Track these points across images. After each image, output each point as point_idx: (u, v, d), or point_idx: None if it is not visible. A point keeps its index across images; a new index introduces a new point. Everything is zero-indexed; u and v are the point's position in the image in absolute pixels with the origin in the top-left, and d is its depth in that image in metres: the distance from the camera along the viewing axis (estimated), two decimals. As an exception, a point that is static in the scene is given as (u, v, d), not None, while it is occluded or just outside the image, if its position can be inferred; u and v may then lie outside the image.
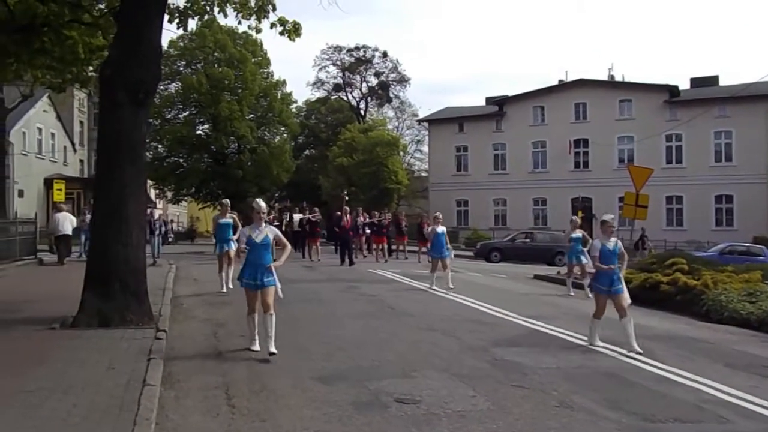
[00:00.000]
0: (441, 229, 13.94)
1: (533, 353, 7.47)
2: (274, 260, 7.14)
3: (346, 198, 25.49)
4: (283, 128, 46.65)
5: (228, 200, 13.42)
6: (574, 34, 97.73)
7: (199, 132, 44.23)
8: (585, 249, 13.49)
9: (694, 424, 5.10)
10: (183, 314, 9.75)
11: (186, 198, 49.17)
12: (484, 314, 10.46)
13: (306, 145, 58.26)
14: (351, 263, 19.17)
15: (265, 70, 45.01)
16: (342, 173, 43.27)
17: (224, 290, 11.96)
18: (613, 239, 8.24)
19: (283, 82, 45.81)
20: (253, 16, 10.11)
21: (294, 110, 50.93)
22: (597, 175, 39.91)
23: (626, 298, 8.09)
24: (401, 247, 24.72)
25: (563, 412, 5.25)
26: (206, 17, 10.60)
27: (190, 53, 42.13)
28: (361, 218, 22.60)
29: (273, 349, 6.73)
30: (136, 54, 8.21)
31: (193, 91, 40.86)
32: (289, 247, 7.39)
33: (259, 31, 10.59)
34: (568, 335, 8.76)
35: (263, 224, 7.17)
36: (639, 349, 7.56)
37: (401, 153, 49.62)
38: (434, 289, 13.18)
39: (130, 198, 8.20)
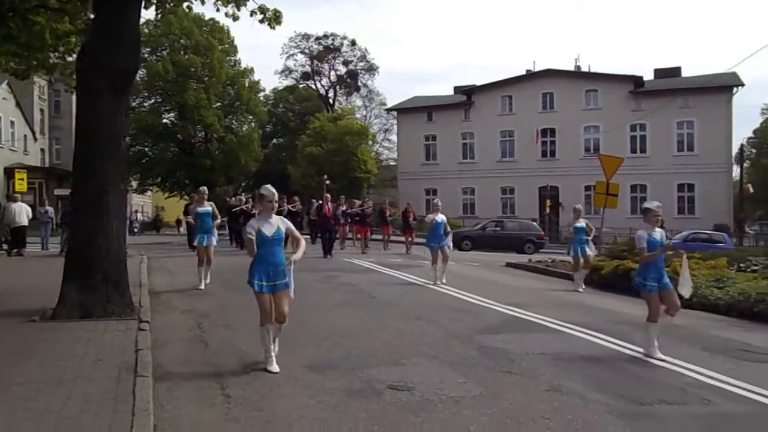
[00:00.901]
0: (441, 217, 13.19)
1: (517, 340, 7.60)
2: (287, 259, 6.09)
3: (327, 183, 25.12)
4: (251, 117, 46.36)
5: (205, 188, 12.54)
6: (541, 24, 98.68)
7: (165, 120, 43.68)
8: (589, 239, 13.38)
9: (680, 406, 5.28)
10: (163, 306, 9.65)
11: (151, 188, 48.45)
12: (465, 302, 10.59)
13: (274, 134, 57.92)
14: (328, 253, 18.49)
15: (232, 58, 44.63)
16: (311, 162, 43.13)
17: (201, 287, 11.24)
18: (659, 229, 7.28)
19: (251, 70, 45.56)
20: (232, 4, 9.96)
21: (262, 99, 50.64)
22: (564, 164, 40.51)
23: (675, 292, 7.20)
24: (386, 237, 23.81)
25: (553, 396, 5.38)
26: (185, 4, 10.41)
27: (155, 40, 41.42)
28: (343, 207, 21.90)
29: (275, 368, 5.90)
30: (114, 42, 8.04)
31: (158, 79, 40.28)
32: (303, 240, 6.37)
33: (236, 18, 10.45)
34: (548, 322, 8.92)
35: (273, 215, 6.12)
36: (663, 356, 6.79)
37: (370, 142, 49.60)
38: (443, 284, 12.46)
39: (110, 189, 8.05)
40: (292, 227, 6.26)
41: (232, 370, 6.01)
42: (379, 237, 24.37)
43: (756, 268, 13.35)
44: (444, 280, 12.72)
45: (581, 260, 13.12)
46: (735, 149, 40.60)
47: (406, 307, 9.85)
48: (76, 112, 8.59)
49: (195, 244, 11.86)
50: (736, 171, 42.60)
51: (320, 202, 20.67)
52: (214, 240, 11.71)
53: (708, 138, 37.79)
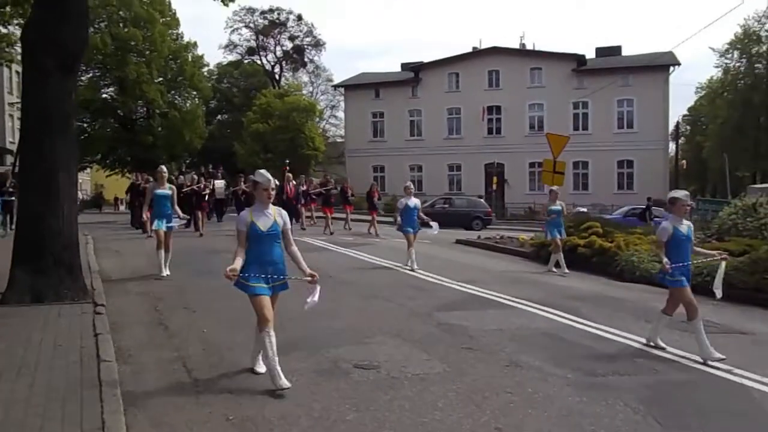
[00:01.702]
0: (413, 201, 12.57)
1: (475, 317, 7.82)
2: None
3: (287, 166, 24.51)
4: (194, 92, 45.33)
5: (164, 167, 11.64)
6: (487, 1, 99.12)
7: (104, 95, 42.19)
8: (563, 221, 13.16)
9: (632, 377, 5.57)
10: (115, 289, 9.47)
11: (90, 165, 46.92)
12: (421, 280, 10.78)
13: (219, 110, 56.80)
14: None
15: (174, 32, 43.40)
16: (257, 140, 42.56)
17: (164, 274, 10.49)
18: (687, 222, 6.52)
19: (194, 45, 44.41)
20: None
21: (206, 74, 49.45)
22: (509, 141, 41.18)
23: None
24: (348, 217, 22.57)
25: (514, 371, 5.60)
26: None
27: (92, 12, 39.60)
28: (303, 186, 21.30)
29: (285, 383, 4.94)
30: (63, 16, 7.75)
31: (96, 53, 38.73)
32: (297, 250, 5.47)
33: (187, -7, 10.17)
34: (503, 298, 9.19)
35: (270, 206, 5.27)
36: (721, 356, 6.04)
37: (317, 119, 49.21)
38: (416, 271, 11.73)
39: (60, 170, 7.82)
40: (289, 226, 5.43)
41: (196, 353, 6.00)
42: (342, 216, 23.18)
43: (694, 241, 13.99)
44: (416, 266, 11.94)
45: (558, 241, 12.80)
46: (671, 127, 42.11)
47: (363, 287, 9.96)
48: (23, 89, 8.27)
49: (153, 228, 10.93)
50: (671, 147, 44.25)
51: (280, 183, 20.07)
52: (175, 225, 11.11)
53: (646, 115, 39.04)
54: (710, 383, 5.56)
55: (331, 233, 19.50)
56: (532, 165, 39.25)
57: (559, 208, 12.98)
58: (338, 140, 54.53)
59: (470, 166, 42.19)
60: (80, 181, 58.39)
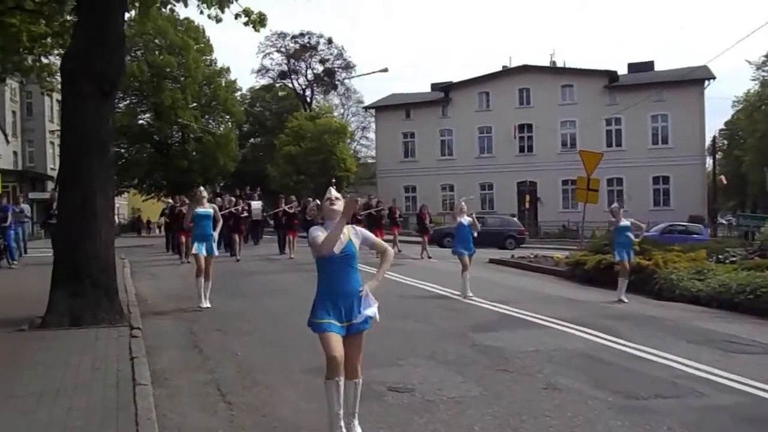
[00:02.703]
0: (467, 220, 11.67)
1: (510, 338, 7.70)
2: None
3: (333, 181, 23.31)
4: (228, 116, 46.09)
5: (203, 188, 10.58)
6: (516, 20, 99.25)
7: (141, 121, 43.23)
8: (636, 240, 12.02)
9: (675, 399, 5.39)
10: (151, 311, 9.58)
11: (128, 190, 47.93)
12: (453, 300, 10.69)
13: (251, 134, 57.64)
14: None
15: (208, 58, 44.32)
16: (290, 162, 43.00)
17: (204, 305, 9.54)
18: None
19: (227, 70, 45.33)
20: (215, 6, 9.90)
21: (239, 98, 50.31)
22: (541, 159, 40.88)
23: None
24: (396, 239, 20.67)
25: (553, 394, 5.46)
26: (168, 7, 10.32)
27: (129, 40, 40.58)
28: None
29: None
30: (99, 44, 7.97)
31: (133, 80, 39.76)
32: (390, 251, 4.53)
33: (219, 20, 10.38)
34: (538, 318, 9.03)
35: (341, 223, 4.06)
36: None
37: (349, 140, 49.59)
38: (470, 298, 10.91)
39: (98, 193, 7.98)
40: (371, 236, 4.42)
41: (231, 376, 6.00)
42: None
43: (734, 259, 13.65)
44: (470, 293, 11.03)
45: (626, 264, 11.48)
46: (708, 141, 41.35)
47: (393, 306, 9.82)
48: (62, 115, 8.50)
49: (194, 252, 9.84)
50: (708, 162, 43.40)
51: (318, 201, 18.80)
52: (216, 250, 10.03)
53: (681, 130, 38.42)
54: (760, 406, 5.35)
55: (377, 258, 17.77)
56: (565, 183, 38.87)
57: (628, 224, 11.70)
58: (369, 161, 54.79)
59: (502, 184, 41.94)
60: (118, 205, 59.75)
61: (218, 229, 10.03)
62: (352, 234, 4.23)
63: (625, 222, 11.65)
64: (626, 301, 11.21)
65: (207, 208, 9.87)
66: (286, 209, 19.31)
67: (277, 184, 42.58)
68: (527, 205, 38.45)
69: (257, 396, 5.38)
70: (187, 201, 17.40)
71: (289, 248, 18.63)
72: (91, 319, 7.86)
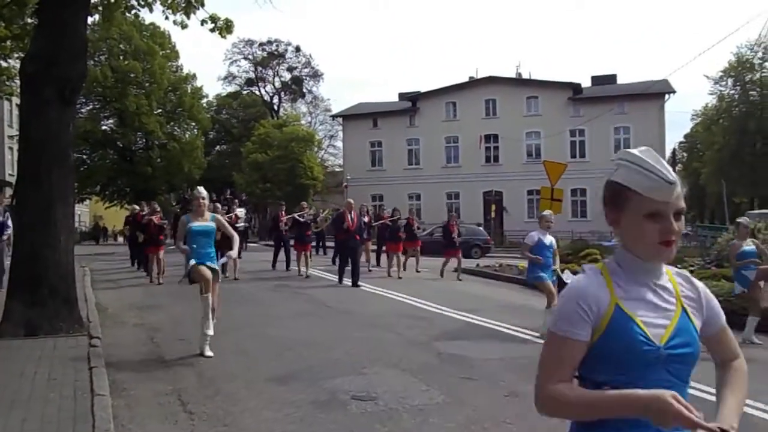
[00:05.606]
0: (549, 239, 8.83)
1: (474, 346, 7.74)
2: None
3: (346, 184, 21.11)
4: (193, 123, 45.56)
5: (204, 190, 7.51)
6: (483, 31, 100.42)
7: (104, 127, 42.43)
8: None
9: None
10: (111, 320, 9.40)
11: (90, 197, 46.97)
12: (419, 309, 10.71)
13: (217, 141, 57.10)
14: (356, 282, 13.55)
15: (174, 64, 43.80)
16: (256, 169, 42.69)
17: (207, 353, 7.02)
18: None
19: (193, 76, 44.78)
20: (181, 12, 9.81)
21: (205, 105, 49.79)
22: (507, 169, 41.30)
23: None
24: (417, 255, 18.28)
25: (515, 401, 5.50)
26: (132, 12, 10.18)
27: (93, 45, 40.12)
28: (366, 218, 17.33)
29: None
30: (62, 48, 7.81)
31: (97, 85, 39.03)
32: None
33: (185, 26, 10.30)
34: (503, 327, 9.11)
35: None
36: None
37: (316, 148, 49.46)
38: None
39: (58, 201, 7.81)
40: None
41: (192, 385, 5.92)
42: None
43: (693, 268, 13.95)
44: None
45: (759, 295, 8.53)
46: (668, 153, 42.30)
47: (362, 316, 9.89)
48: (21, 120, 8.30)
49: (192, 263, 7.13)
50: (669, 174, 44.22)
51: (341, 211, 15.46)
52: (225, 259, 7.96)
53: (643, 142, 37.31)
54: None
55: (399, 278, 15.52)
56: (530, 192, 39.31)
57: (754, 248, 8.87)
58: (337, 169, 54.70)
59: (468, 194, 42.25)
60: (79, 212, 58.50)
61: (235, 249, 7.42)
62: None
63: (749, 246, 8.87)
64: (759, 342, 8.32)
65: (207, 222, 7.27)
66: (296, 217, 15.89)
67: (242, 191, 42.23)
68: (493, 214, 38.78)
69: (219, 406, 5.31)
70: (158, 209, 15.20)
71: (304, 264, 15.38)
72: (48, 328, 7.68)
